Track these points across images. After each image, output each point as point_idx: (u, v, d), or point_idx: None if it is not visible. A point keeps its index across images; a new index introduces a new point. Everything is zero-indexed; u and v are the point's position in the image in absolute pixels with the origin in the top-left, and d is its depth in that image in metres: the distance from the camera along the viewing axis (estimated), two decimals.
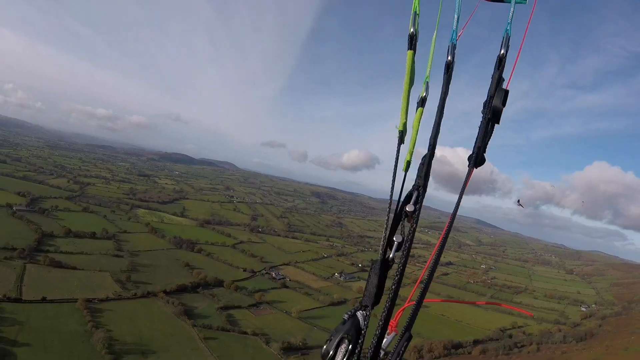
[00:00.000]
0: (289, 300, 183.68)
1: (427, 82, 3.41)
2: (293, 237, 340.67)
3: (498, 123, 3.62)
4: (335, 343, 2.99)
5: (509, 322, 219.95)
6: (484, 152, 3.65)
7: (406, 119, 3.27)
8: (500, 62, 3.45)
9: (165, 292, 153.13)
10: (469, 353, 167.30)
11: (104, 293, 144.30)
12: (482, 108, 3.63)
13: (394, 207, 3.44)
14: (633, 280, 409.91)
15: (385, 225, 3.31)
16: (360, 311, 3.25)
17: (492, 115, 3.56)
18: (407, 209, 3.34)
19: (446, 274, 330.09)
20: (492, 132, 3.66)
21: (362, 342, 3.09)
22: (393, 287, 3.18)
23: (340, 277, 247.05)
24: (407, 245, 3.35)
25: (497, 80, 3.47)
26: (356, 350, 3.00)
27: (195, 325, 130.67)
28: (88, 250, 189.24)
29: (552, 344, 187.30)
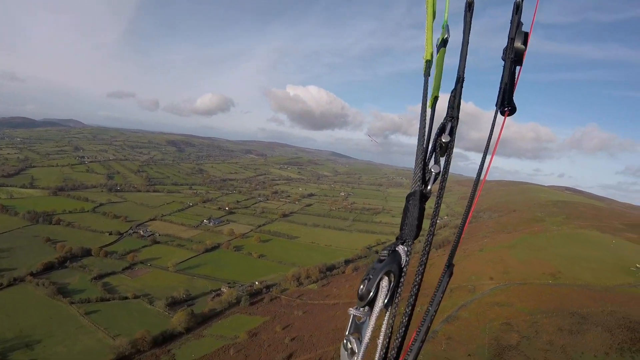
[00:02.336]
0: (162, 256, 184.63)
1: (447, 25, 3.51)
2: (155, 191, 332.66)
3: (521, 65, 3.79)
4: (376, 281, 2.69)
5: (374, 240, 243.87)
6: (512, 96, 3.72)
7: (432, 48, 3.42)
8: (518, 7, 3.66)
9: (32, 274, 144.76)
10: (343, 272, 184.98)
11: None
12: (501, 54, 3.81)
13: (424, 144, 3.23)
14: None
15: (416, 157, 3.34)
16: (401, 246, 3.12)
17: (514, 56, 3.69)
18: (442, 139, 3.31)
19: (310, 205, 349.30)
20: (516, 75, 3.80)
21: (404, 279, 2.95)
22: (430, 228, 3.30)
23: (210, 223, 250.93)
24: (444, 177, 3.36)
25: (517, 24, 3.66)
26: (399, 289, 2.84)
27: (73, 303, 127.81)
28: None
29: (415, 253, 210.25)
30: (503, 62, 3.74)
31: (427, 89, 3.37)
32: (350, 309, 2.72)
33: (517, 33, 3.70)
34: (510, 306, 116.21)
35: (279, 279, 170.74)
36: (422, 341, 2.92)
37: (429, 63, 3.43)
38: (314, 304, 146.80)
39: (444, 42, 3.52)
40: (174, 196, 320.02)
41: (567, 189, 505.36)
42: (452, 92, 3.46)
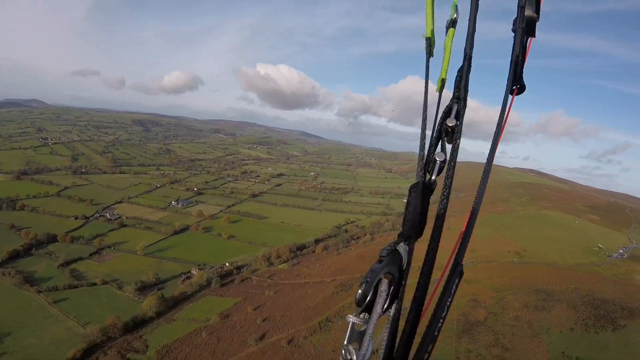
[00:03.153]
0: (130, 239, 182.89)
1: (456, 5, 3.38)
2: (121, 172, 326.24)
3: (534, 36, 3.52)
4: (373, 285, 2.38)
5: (343, 219, 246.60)
6: (522, 72, 3.51)
7: (433, 25, 3.23)
8: None
9: None
10: (313, 252, 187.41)
11: None
12: (511, 26, 3.56)
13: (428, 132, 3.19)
14: (444, 174, 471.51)
15: (420, 144, 3.01)
16: (402, 244, 2.84)
17: (526, 25, 3.43)
18: (448, 123, 3.01)
19: (279, 185, 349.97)
20: (528, 47, 3.53)
21: (405, 282, 2.72)
22: (436, 221, 3.00)
23: (178, 204, 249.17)
24: (451, 165, 3.03)
25: None
26: (400, 292, 2.61)
27: (40, 292, 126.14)
28: None
29: (383, 232, 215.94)
30: (513, 35, 3.50)
31: (428, 69, 3.19)
32: (349, 315, 2.40)
33: (528, 0, 3.42)
34: (477, 283, 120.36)
35: (250, 260, 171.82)
36: (429, 352, 2.61)
37: (429, 41, 3.23)
38: (285, 283, 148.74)
39: (452, 23, 3.36)
40: (140, 177, 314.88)
41: (531, 171, 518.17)
42: (458, 71, 3.28)
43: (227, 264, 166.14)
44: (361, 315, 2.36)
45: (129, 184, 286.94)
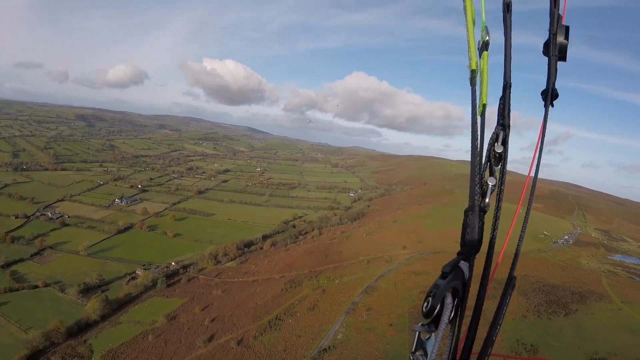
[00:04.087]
0: (73, 239, 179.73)
1: (486, 27, 3.38)
2: (63, 169, 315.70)
3: (565, 60, 3.72)
4: (441, 298, 2.80)
5: (291, 215, 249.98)
6: (554, 88, 3.71)
7: (477, 57, 3.30)
8: (556, 0, 3.58)
9: None
10: (261, 248, 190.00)
11: None
12: (542, 49, 3.76)
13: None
14: (390, 168, 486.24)
15: (471, 171, 3.31)
16: (463, 262, 3.24)
17: (558, 52, 3.63)
18: (496, 149, 3.33)
19: (226, 181, 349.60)
20: (557, 69, 3.73)
21: (467, 295, 3.15)
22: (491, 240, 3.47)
23: (122, 202, 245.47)
24: (501, 188, 3.40)
25: (557, 18, 3.60)
26: (463, 304, 3.04)
27: None
28: None
29: (331, 226, 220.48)
30: (547, 59, 3.78)
31: (475, 98, 3.36)
32: (415, 326, 2.87)
33: (559, 27, 3.73)
34: (427, 274, 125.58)
35: (196, 258, 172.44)
36: (489, 354, 3.14)
37: (473, 73, 3.43)
38: (233, 282, 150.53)
39: (485, 45, 3.56)
40: (83, 174, 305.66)
41: None
42: (500, 100, 3.55)
43: (173, 263, 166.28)
44: (426, 325, 2.83)
45: (71, 181, 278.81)
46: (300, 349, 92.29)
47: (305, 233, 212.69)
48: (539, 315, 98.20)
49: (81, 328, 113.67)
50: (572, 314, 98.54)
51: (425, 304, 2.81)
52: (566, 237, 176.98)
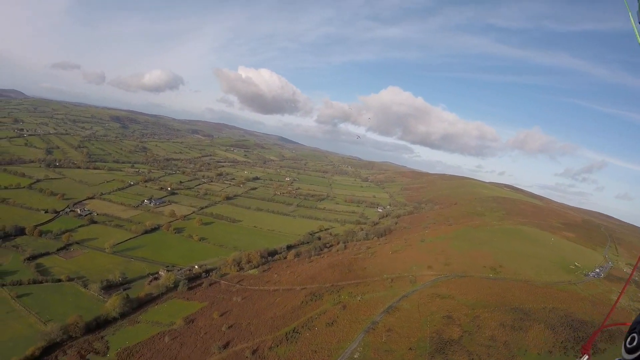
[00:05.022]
0: (100, 236, 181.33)
1: None
2: (95, 168, 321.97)
3: None
4: None
5: (317, 226, 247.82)
6: None
7: None
8: None
9: None
10: (285, 258, 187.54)
11: None
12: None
13: None
14: (420, 185, 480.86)
15: None
16: None
17: None
18: None
19: (254, 189, 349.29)
20: None
21: None
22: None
23: (150, 203, 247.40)
24: None
25: None
26: None
27: (4, 285, 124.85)
28: None
29: (356, 241, 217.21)
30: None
31: None
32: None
33: None
34: (452, 299, 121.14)
35: (219, 263, 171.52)
36: None
37: None
38: (253, 289, 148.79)
39: None
40: (114, 174, 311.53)
41: (507, 186, 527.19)
42: None
43: (196, 266, 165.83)
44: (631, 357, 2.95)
45: (102, 180, 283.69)
46: None
47: (330, 246, 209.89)
48: (566, 351, 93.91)
49: (100, 324, 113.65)
50: (599, 353, 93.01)
51: (630, 339, 2.85)
52: (597, 270, 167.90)
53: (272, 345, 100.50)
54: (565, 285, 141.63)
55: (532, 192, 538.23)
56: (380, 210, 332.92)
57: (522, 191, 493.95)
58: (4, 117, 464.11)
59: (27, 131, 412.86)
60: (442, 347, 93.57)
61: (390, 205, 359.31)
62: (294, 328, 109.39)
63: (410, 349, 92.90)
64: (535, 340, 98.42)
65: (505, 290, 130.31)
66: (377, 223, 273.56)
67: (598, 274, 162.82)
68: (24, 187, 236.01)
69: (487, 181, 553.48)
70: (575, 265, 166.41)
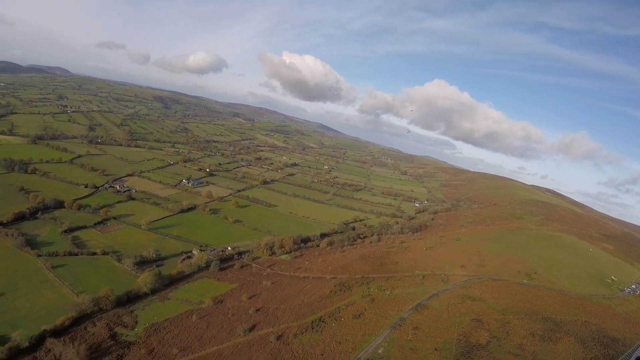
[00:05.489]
0: (137, 213, 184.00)
1: None
2: (136, 146, 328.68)
3: None
4: None
5: (352, 216, 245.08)
6: None
7: None
8: None
9: (1, 224, 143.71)
10: (317, 246, 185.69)
11: None
12: None
13: None
14: (460, 183, 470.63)
15: None
16: None
17: None
18: None
19: (292, 175, 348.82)
20: None
21: None
22: None
23: (189, 183, 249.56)
24: None
25: None
26: None
27: (40, 255, 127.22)
28: None
29: (390, 234, 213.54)
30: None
31: None
32: None
33: None
34: (483, 302, 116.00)
35: (252, 246, 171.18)
36: None
37: None
38: (283, 275, 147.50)
39: None
40: (155, 153, 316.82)
41: (548, 190, 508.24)
42: None
43: (229, 247, 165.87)
44: None
45: (142, 158, 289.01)
46: (338, 357, 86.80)
47: (364, 237, 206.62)
48: None
49: (130, 298, 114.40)
50: None
51: None
52: (634, 286, 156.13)
53: (297, 332, 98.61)
54: (600, 299, 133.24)
55: (573, 198, 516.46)
56: (417, 204, 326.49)
57: (563, 197, 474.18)
58: (49, 94, 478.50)
59: (71, 108, 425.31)
60: (468, 351, 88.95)
61: (427, 200, 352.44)
62: (321, 317, 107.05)
63: (435, 349, 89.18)
64: (564, 353, 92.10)
65: (538, 298, 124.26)
66: (413, 218, 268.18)
67: (634, 290, 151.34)
68: (65, 162, 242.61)
69: (529, 184, 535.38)
70: (611, 279, 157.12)
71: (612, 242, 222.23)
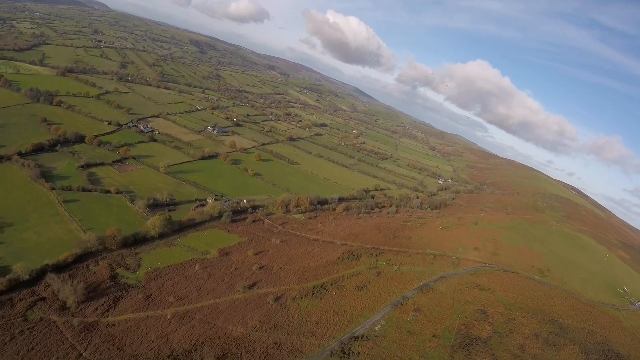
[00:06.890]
0: (157, 155, 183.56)
1: None
2: (165, 88, 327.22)
3: None
4: None
5: (373, 184, 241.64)
6: None
7: None
8: None
9: (20, 154, 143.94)
10: (333, 209, 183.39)
11: None
12: None
13: None
14: (486, 166, 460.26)
15: None
16: None
17: None
18: None
19: (319, 135, 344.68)
20: None
21: None
22: None
23: (214, 130, 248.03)
24: None
25: None
26: None
27: (54, 189, 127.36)
28: None
29: (409, 208, 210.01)
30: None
31: None
32: None
33: None
34: (491, 292, 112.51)
35: (268, 202, 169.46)
36: None
37: None
38: (294, 234, 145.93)
39: None
40: (183, 97, 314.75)
41: (573, 188, 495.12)
42: None
43: (244, 200, 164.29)
44: None
45: (170, 100, 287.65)
46: (333, 327, 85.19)
47: (382, 207, 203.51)
48: None
49: (137, 240, 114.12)
50: None
51: None
52: None
53: (297, 296, 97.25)
54: (609, 309, 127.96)
55: (596, 200, 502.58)
56: (440, 182, 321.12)
57: (586, 197, 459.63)
58: (84, 27, 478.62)
59: (105, 43, 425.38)
60: (467, 343, 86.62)
61: (452, 179, 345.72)
62: (323, 284, 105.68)
63: (433, 336, 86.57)
64: None
65: (548, 297, 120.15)
66: (434, 194, 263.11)
67: None
68: (92, 97, 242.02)
69: (554, 178, 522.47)
70: (624, 289, 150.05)
71: (629, 251, 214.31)
